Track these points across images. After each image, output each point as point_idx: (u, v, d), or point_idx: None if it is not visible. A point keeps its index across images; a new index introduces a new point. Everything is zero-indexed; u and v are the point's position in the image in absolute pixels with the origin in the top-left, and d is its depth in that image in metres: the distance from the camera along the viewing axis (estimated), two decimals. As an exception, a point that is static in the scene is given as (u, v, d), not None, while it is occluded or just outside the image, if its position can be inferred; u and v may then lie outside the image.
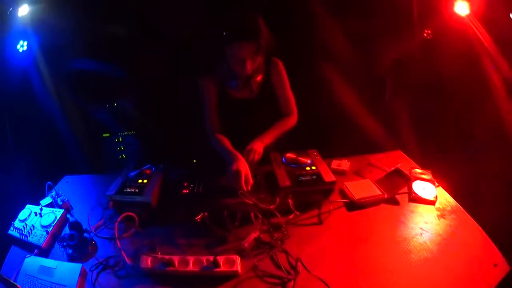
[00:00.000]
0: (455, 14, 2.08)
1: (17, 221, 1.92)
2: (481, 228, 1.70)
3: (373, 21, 2.62)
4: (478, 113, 2.30)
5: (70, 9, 2.47)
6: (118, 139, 2.86)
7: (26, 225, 1.89)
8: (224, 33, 1.84)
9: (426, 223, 1.77)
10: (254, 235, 1.69)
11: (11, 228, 1.90)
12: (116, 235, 1.78)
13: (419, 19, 2.51)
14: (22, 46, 2.38)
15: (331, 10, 2.62)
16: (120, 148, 2.87)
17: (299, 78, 2.54)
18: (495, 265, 1.51)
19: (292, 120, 2.26)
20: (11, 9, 2.25)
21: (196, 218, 1.76)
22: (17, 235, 1.86)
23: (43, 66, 2.49)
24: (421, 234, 1.70)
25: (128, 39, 2.56)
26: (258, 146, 2.06)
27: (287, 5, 2.70)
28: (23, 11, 2.33)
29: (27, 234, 1.84)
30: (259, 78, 2.09)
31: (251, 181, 1.89)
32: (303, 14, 2.72)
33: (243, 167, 1.90)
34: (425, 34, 2.59)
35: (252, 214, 1.79)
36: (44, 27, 2.39)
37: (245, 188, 1.84)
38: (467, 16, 2.03)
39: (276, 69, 2.16)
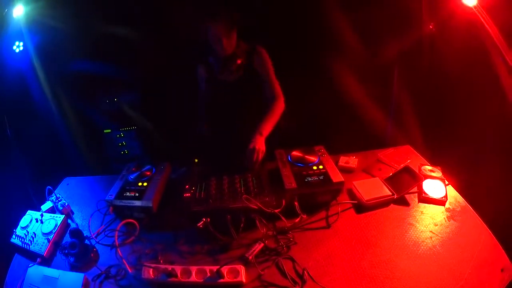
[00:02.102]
0: (462, 4, 1.85)
1: (18, 228, 1.76)
2: (490, 231, 1.51)
3: (379, 12, 2.36)
4: (486, 107, 2.08)
5: (65, 9, 2.23)
6: (120, 135, 2.65)
7: (28, 232, 1.72)
8: (200, 17, 2.01)
9: (436, 225, 1.57)
10: (258, 247, 1.49)
11: (13, 236, 1.73)
12: (117, 244, 1.60)
13: (426, 10, 2.22)
14: (18, 46, 2.16)
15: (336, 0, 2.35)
16: (122, 143, 2.67)
17: (304, 70, 2.41)
18: (502, 270, 1.35)
19: (280, 104, 2.19)
20: (6, 10, 2.02)
21: (198, 224, 1.55)
22: (19, 243, 1.71)
23: (40, 66, 2.28)
24: (431, 237, 1.51)
25: (125, 36, 2.33)
26: (260, 144, 1.93)
27: None
28: (18, 12, 2.11)
29: (29, 243, 1.68)
30: (239, 61, 2.12)
31: None
32: (308, 5, 2.47)
33: None
34: (431, 26, 2.33)
35: (257, 220, 1.58)
36: (40, 28, 2.17)
37: None
38: (475, 7, 1.80)
39: (259, 56, 2.18)
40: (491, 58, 1.80)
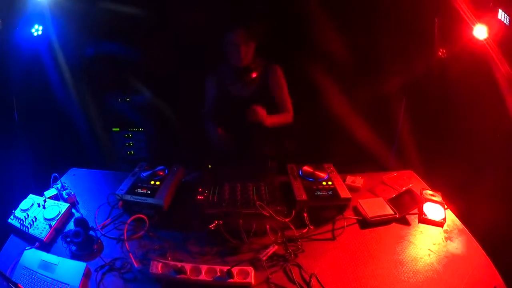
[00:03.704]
0: (473, 37, 2.06)
1: (18, 210, 1.78)
2: (484, 252, 1.69)
3: (389, 40, 2.62)
4: (492, 139, 2.28)
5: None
6: (128, 135, 2.74)
7: (28, 215, 1.75)
8: (221, 23, 2.09)
9: (434, 244, 1.74)
10: (272, 249, 1.61)
11: (11, 217, 1.75)
12: (125, 237, 1.67)
13: (438, 42, 2.50)
14: (37, 30, 2.21)
15: (348, 28, 2.60)
16: (129, 143, 2.76)
17: (311, 96, 2.67)
18: (495, 287, 1.50)
19: (289, 116, 2.35)
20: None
21: (210, 226, 1.65)
22: (18, 225, 1.73)
23: (57, 53, 2.34)
24: (428, 255, 1.67)
25: (147, 30, 2.46)
26: (262, 112, 2.11)
27: (307, 23, 2.68)
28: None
29: (29, 226, 1.71)
30: (254, 74, 2.21)
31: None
32: (315, 28, 2.70)
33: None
34: (440, 53, 2.59)
35: (268, 226, 1.71)
36: (61, 13, 2.23)
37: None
38: (485, 40, 2.02)
39: (274, 73, 2.28)
40: (498, 90, 2.02)
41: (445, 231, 1.83)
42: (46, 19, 2.19)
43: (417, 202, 1.89)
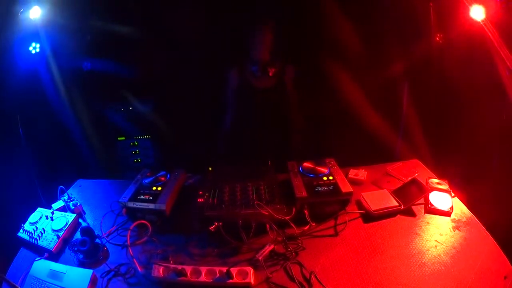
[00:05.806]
0: (470, 19, 2.03)
1: (27, 223, 1.90)
2: (493, 240, 1.68)
3: (388, 26, 2.63)
4: (493, 121, 2.24)
5: (83, 12, 2.47)
6: (134, 143, 2.89)
7: (37, 228, 1.87)
8: (250, 23, 2.44)
9: (441, 235, 1.74)
10: (268, 248, 1.66)
11: (21, 231, 1.88)
12: (129, 243, 1.77)
13: (435, 24, 2.48)
14: (34, 48, 2.35)
15: (345, 13, 2.61)
16: (135, 151, 2.90)
17: (316, 84, 2.77)
18: (505, 277, 1.49)
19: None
20: (22, 10, 2.22)
21: (210, 228, 1.72)
22: (27, 237, 1.84)
23: (56, 69, 2.48)
24: (435, 246, 1.67)
25: (144, 40, 2.58)
26: None
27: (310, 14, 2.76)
28: (35, 13, 2.29)
29: (37, 238, 1.82)
30: (276, 67, 2.54)
31: None
32: (316, 18, 2.73)
33: None
34: (437, 39, 2.58)
35: (268, 225, 1.76)
36: (57, 30, 2.36)
37: None
38: (483, 21, 1.98)
39: (289, 69, 2.62)
40: (498, 72, 1.98)
41: (453, 221, 1.82)
42: (42, 36, 2.32)
43: (423, 191, 1.89)
